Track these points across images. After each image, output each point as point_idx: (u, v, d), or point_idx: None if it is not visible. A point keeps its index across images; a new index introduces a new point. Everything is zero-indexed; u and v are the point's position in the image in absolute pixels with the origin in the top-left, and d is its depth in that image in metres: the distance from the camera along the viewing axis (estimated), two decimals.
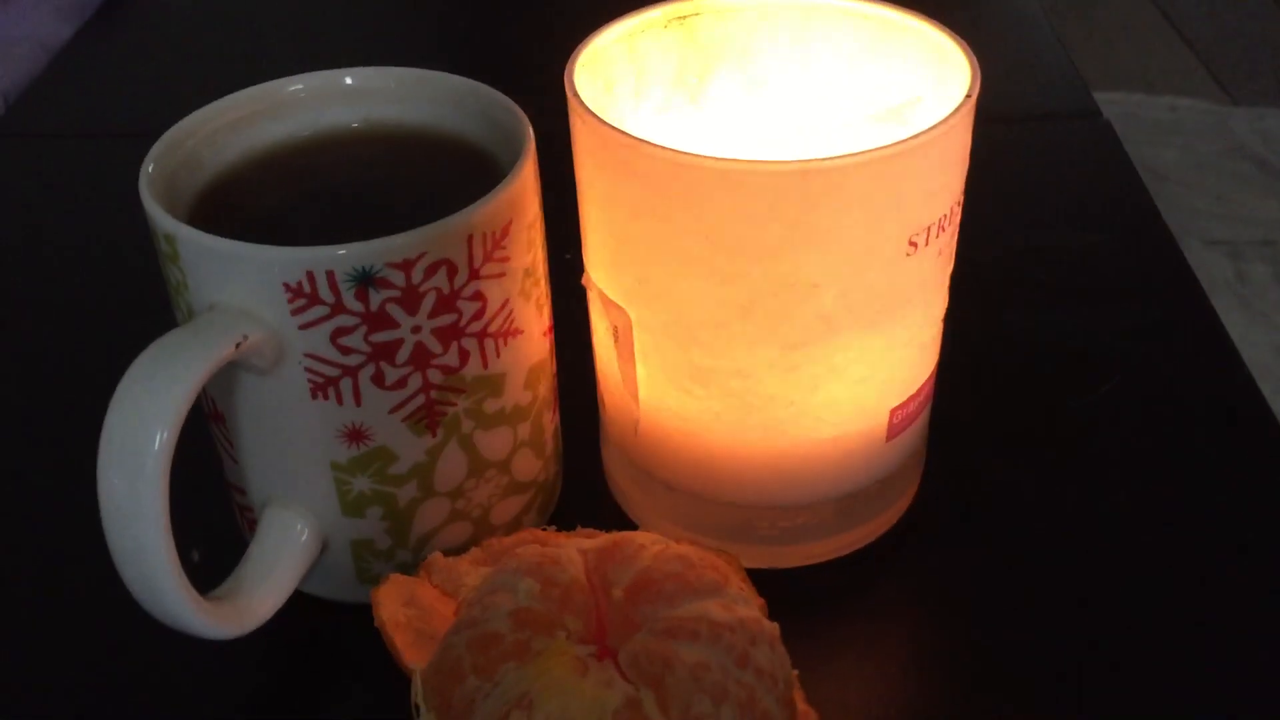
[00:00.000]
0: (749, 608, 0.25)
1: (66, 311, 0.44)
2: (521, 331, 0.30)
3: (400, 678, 0.28)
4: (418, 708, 0.26)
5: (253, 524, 0.31)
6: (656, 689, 0.23)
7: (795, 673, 0.26)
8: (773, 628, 0.26)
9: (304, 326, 0.27)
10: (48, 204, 0.51)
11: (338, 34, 0.64)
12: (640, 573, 0.25)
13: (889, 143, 0.26)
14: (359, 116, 0.33)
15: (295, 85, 0.32)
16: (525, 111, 0.31)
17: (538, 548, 0.26)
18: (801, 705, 0.27)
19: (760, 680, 0.24)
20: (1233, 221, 1.47)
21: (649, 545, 0.26)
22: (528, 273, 0.30)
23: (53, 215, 0.50)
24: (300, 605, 0.32)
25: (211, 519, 0.34)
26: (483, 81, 0.32)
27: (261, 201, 0.31)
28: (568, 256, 0.33)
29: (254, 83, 0.32)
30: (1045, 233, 0.45)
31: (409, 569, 0.31)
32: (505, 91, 0.31)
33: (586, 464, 0.36)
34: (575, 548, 0.26)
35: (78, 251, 0.47)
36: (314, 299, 0.27)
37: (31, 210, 0.50)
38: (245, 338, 0.26)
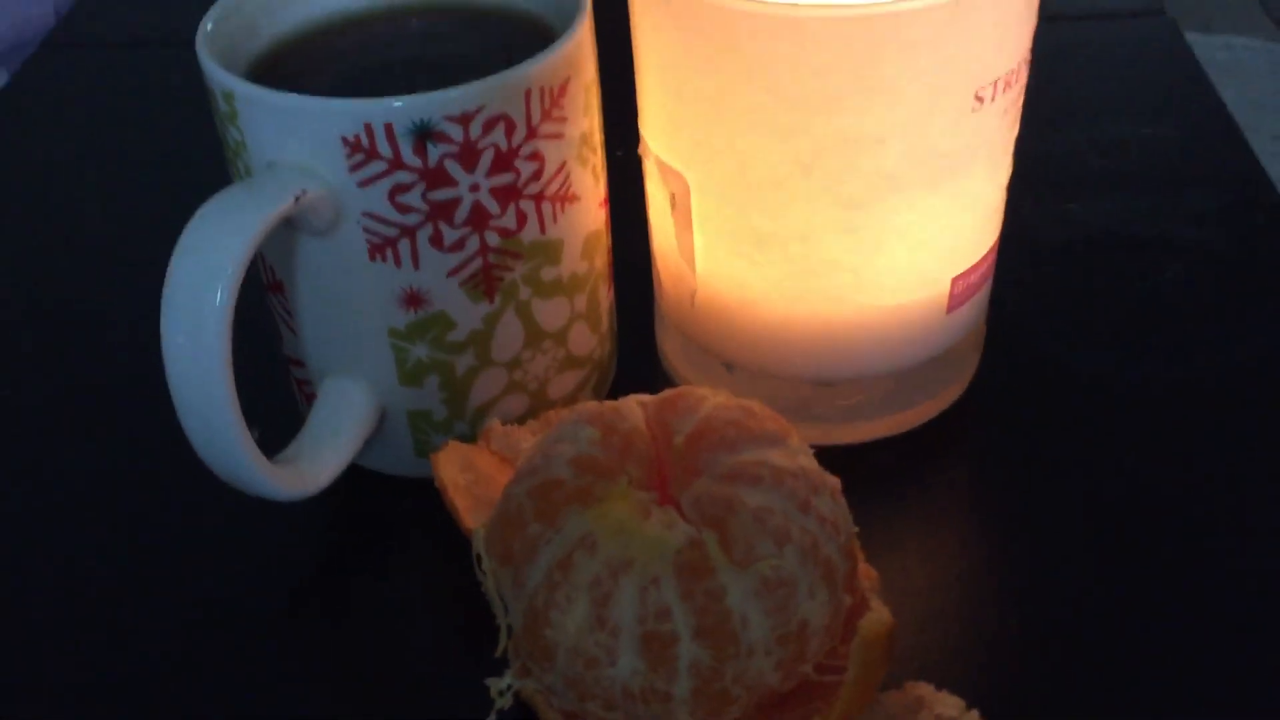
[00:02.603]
0: (810, 459, 0.25)
1: (126, 210, 0.44)
2: (578, 198, 0.30)
3: (461, 540, 0.28)
4: (479, 558, 0.26)
5: (311, 398, 0.31)
6: (719, 531, 0.23)
7: (855, 530, 0.26)
8: (834, 480, 0.25)
9: (362, 184, 0.27)
10: (99, 111, 0.51)
11: None
12: (702, 421, 0.25)
13: None
14: None
15: None
16: None
17: (599, 402, 0.26)
18: (862, 564, 0.27)
19: (823, 528, 0.24)
20: None
21: (710, 396, 0.25)
22: (584, 139, 0.30)
23: (103, 122, 0.50)
24: (361, 480, 0.32)
25: (270, 400, 0.34)
26: None
27: (316, 69, 0.31)
28: (619, 154, 0.32)
29: None
30: (1109, 126, 0.44)
31: (466, 441, 0.31)
32: None
33: (641, 347, 0.35)
34: (635, 400, 0.26)
35: (132, 156, 0.48)
36: (372, 154, 0.26)
37: (83, 118, 0.50)
38: (304, 192, 0.26)
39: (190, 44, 0.28)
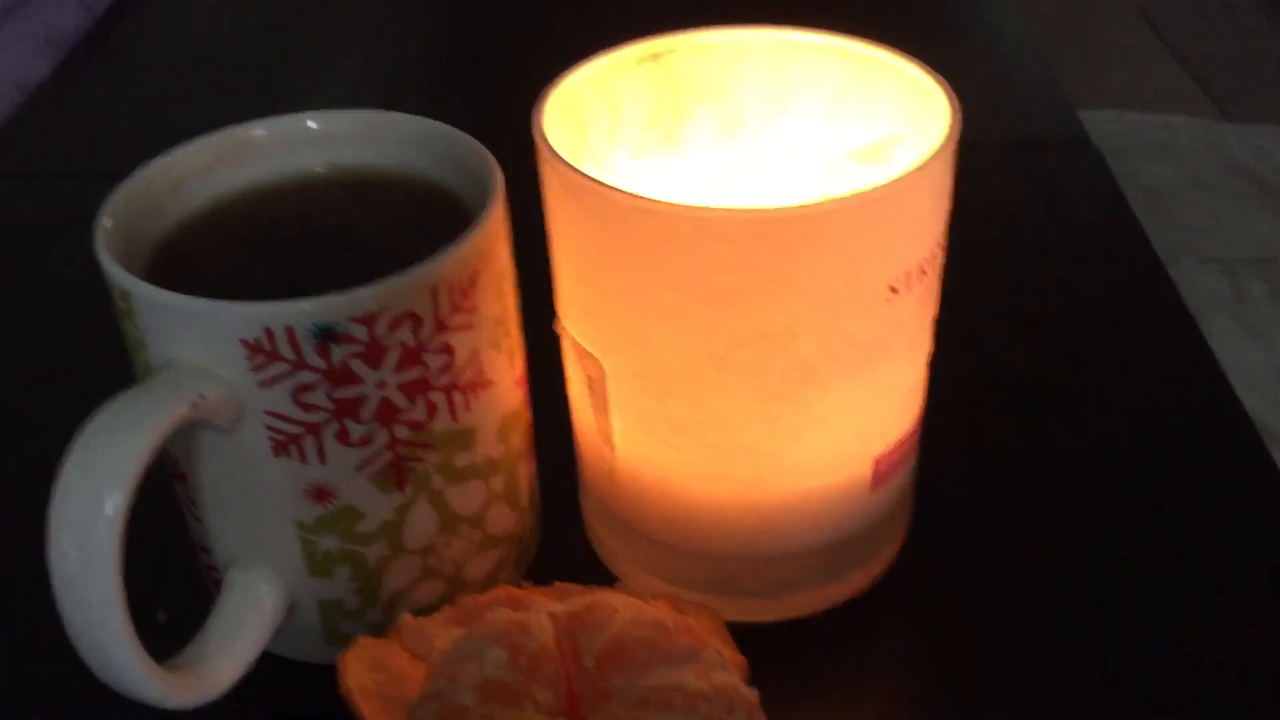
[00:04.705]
0: (727, 673, 0.24)
1: (32, 357, 0.43)
2: (492, 383, 0.29)
3: None
4: None
5: (218, 584, 0.30)
6: None
7: None
8: (751, 695, 0.24)
9: (264, 384, 0.26)
10: (17, 244, 0.50)
11: (316, 73, 0.63)
12: (612, 639, 0.24)
13: (867, 186, 0.25)
14: (323, 161, 0.32)
15: (258, 130, 0.31)
16: (497, 152, 0.30)
17: (507, 612, 0.25)
18: None
19: None
20: (1229, 239, 1.46)
21: (622, 609, 0.25)
22: (498, 322, 0.29)
23: (23, 255, 0.49)
24: (268, 665, 0.31)
25: (181, 576, 0.33)
26: (454, 126, 0.31)
27: (224, 251, 0.30)
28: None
29: (230, 122, 0.31)
30: (1032, 263, 0.44)
31: (380, 629, 0.30)
32: (479, 135, 0.30)
33: (567, 514, 0.35)
34: (546, 612, 0.25)
35: (46, 293, 0.46)
36: (274, 356, 0.26)
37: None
38: (202, 397, 0.25)
39: (117, 175, 0.28)
